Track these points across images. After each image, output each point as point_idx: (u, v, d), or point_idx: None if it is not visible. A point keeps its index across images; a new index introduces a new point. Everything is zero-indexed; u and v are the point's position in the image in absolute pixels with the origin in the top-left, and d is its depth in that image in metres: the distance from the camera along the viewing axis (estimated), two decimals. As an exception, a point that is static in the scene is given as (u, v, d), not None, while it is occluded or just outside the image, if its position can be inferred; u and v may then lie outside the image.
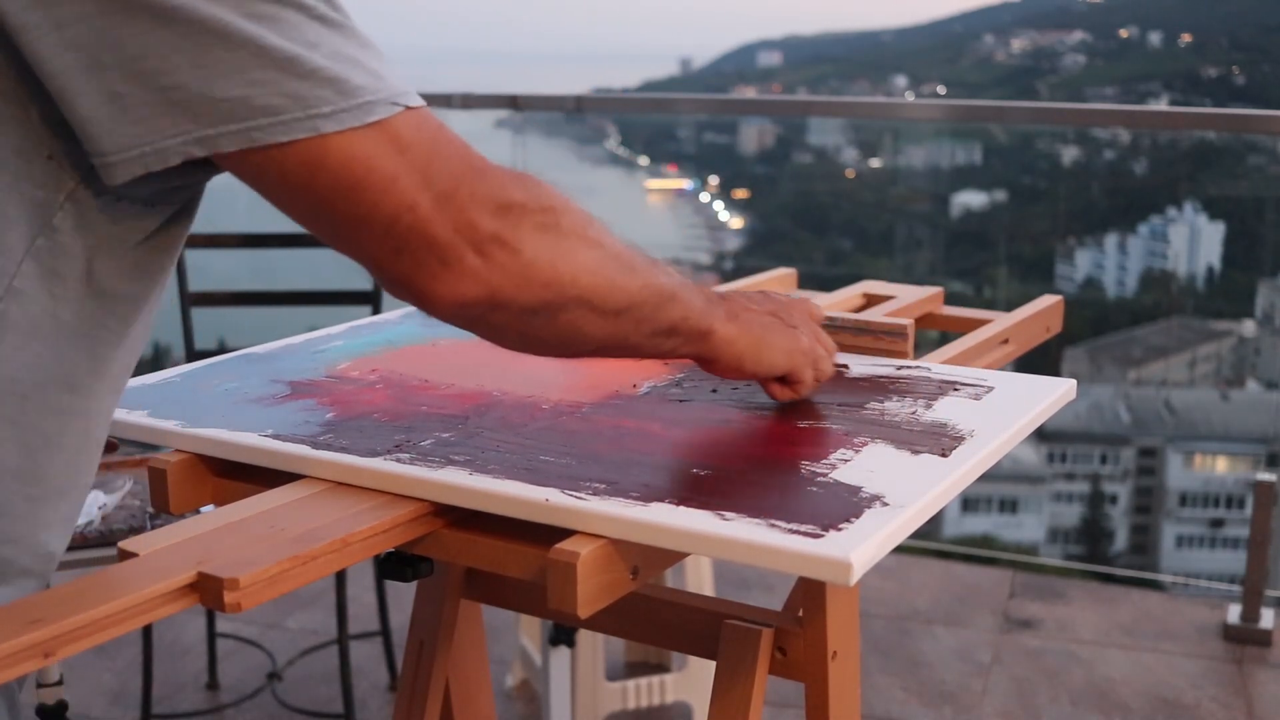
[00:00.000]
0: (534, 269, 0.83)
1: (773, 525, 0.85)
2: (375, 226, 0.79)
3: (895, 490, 0.91)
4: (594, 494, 0.90)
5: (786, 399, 1.11)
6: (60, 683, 1.64)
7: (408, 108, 0.79)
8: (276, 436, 1.04)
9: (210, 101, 0.74)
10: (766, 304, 1.10)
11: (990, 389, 1.16)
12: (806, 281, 1.67)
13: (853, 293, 1.57)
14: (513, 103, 3.39)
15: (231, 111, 0.74)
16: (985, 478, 1.07)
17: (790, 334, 1.09)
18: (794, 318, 1.11)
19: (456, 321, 0.86)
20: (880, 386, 1.17)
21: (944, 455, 0.99)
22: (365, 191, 0.78)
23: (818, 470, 0.95)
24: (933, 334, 1.63)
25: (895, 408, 1.11)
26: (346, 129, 0.76)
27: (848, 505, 0.88)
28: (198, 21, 0.73)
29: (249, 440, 1.04)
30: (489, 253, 0.81)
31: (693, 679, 2.33)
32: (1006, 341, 1.44)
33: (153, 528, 1.54)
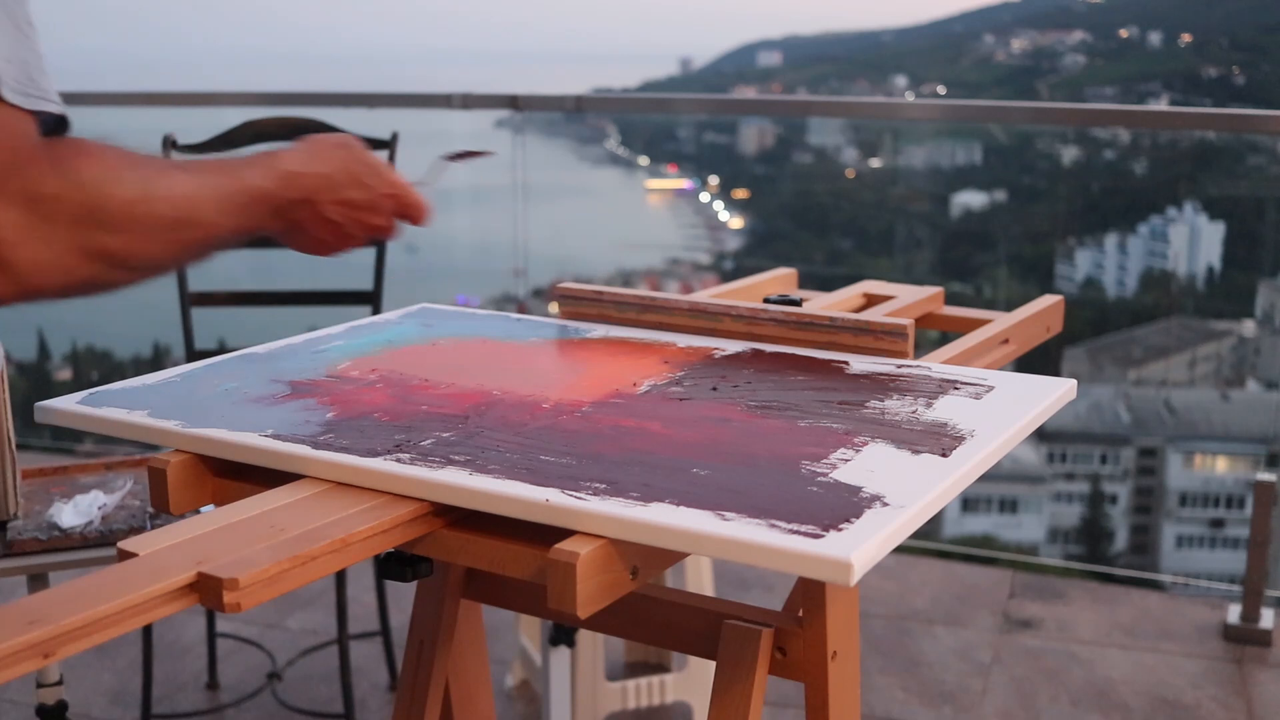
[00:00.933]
0: (64, 260, 0.86)
1: (773, 525, 0.85)
2: None
3: (895, 490, 0.91)
4: (594, 494, 0.90)
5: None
6: (60, 683, 1.64)
7: None
8: (276, 436, 1.04)
9: None
10: (350, 190, 1.07)
11: (990, 389, 1.16)
12: (806, 281, 1.67)
13: (853, 293, 1.57)
14: (513, 103, 3.39)
15: None
16: (985, 478, 1.07)
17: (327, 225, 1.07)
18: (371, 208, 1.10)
19: None
20: (880, 385, 1.17)
21: (944, 455, 0.99)
22: None
23: (818, 470, 0.95)
24: (933, 334, 1.63)
25: (895, 407, 1.11)
26: None
27: (848, 505, 0.88)
28: None
29: (249, 440, 1.04)
30: (10, 253, 0.83)
31: (693, 679, 2.33)
32: (1006, 341, 1.44)
33: (153, 528, 1.54)
